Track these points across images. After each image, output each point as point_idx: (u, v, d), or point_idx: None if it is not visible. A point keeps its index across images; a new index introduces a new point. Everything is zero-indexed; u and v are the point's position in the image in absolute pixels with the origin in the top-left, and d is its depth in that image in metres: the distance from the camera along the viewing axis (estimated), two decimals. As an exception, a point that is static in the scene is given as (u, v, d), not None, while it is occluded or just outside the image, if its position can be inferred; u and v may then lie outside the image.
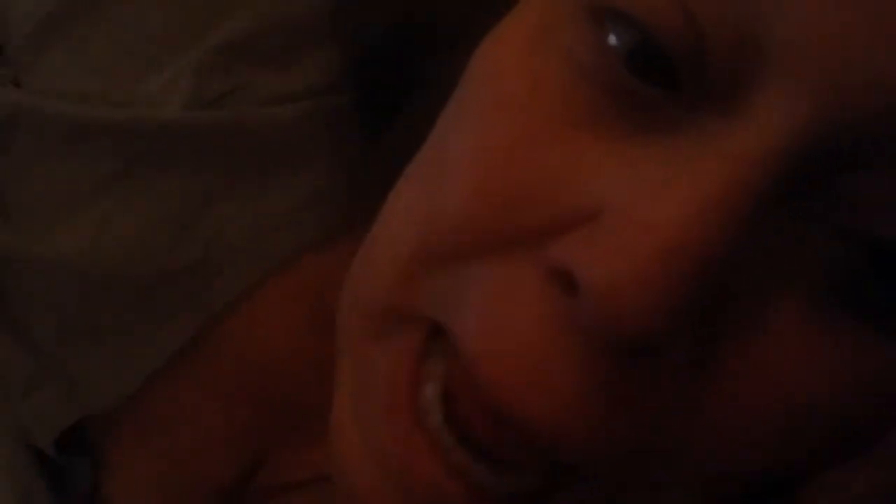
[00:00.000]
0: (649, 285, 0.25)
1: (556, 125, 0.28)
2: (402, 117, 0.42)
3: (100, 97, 0.43)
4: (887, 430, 0.28)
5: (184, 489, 0.44)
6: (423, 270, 0.30)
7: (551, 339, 0.27)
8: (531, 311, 0.27)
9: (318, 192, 0.43)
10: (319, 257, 0.43)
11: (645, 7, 0.27)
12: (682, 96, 0.27)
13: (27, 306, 0.44)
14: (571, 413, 0.27)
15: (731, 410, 0.27)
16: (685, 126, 0.27)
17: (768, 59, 0.26)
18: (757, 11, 0.26)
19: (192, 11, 0.44)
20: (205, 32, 0.43)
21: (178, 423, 0.44)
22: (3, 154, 0.43)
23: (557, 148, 0.28)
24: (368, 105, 0.44)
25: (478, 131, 0.30)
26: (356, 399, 0.31)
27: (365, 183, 0.43)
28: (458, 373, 0.28)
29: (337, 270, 0.41)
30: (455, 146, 0.30)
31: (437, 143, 0.32)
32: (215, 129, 0.42)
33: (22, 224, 0.43)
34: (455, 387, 0.29)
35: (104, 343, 0.43)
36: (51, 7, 0.44)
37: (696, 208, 0.25)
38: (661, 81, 0.27)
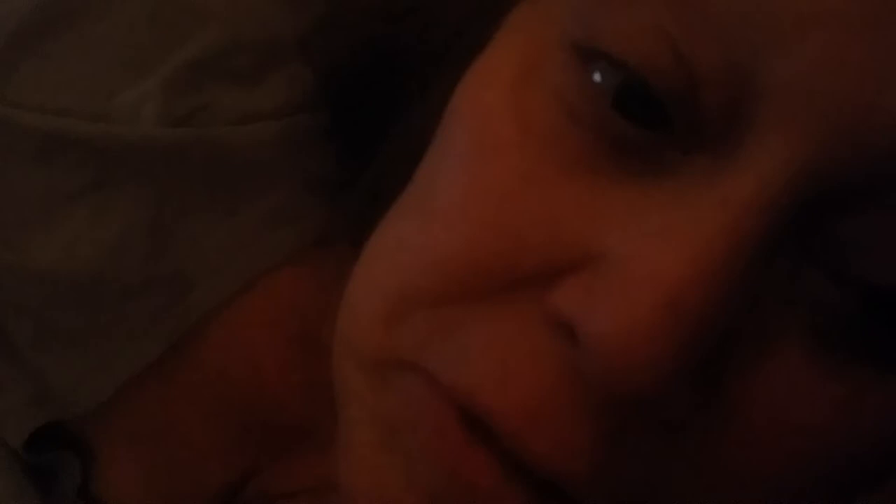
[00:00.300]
0: (652, 339, 0.25)
1: (548, 169, 0.28)
2: (378, 141, 0.41)
3: (73, 110, 0.43)
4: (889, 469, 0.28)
5: (173, 494, 0.45)
6: (410, 314, 0.29)
7: (558, 391, 0.26)
8: (537, 362, 0.27)
9: (288, 211, 0.43)
10: (296, 275, 0.43)
11: (631, 46, 0.27)
12: (674, 137, 0.27)
13: (5, 310, 0.44)
14: (582, 462, 0.27)
15: (736, 454, 0.27)
16: (680, 168, 0.27)
17: (764, 99, 0.25)
18: (753, 51, 0.25)
19: (162, 28, 0.44)
20: (174, 49, 0.43)
21: (163, 433, 0.44)
22: None
23: (550, 192, 0.28)
24: (339, 125, 0.44)
25: (468, 175, 0.29)
26: (388, 437, 0.29)
27: (339, 203, 0.43)
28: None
29: (315, 289, 0.42)
30: (444, 190, 0.30)
31: (425, 185, 0.31)
32: (184, 146, 0.42)
33: None
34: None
35: (78, 350, 0.43)
36: (21, 21, 0.44)
37: (697, 260, 0.25)
38: (651, 122, 0.27)
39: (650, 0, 0.26)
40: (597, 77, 0.27)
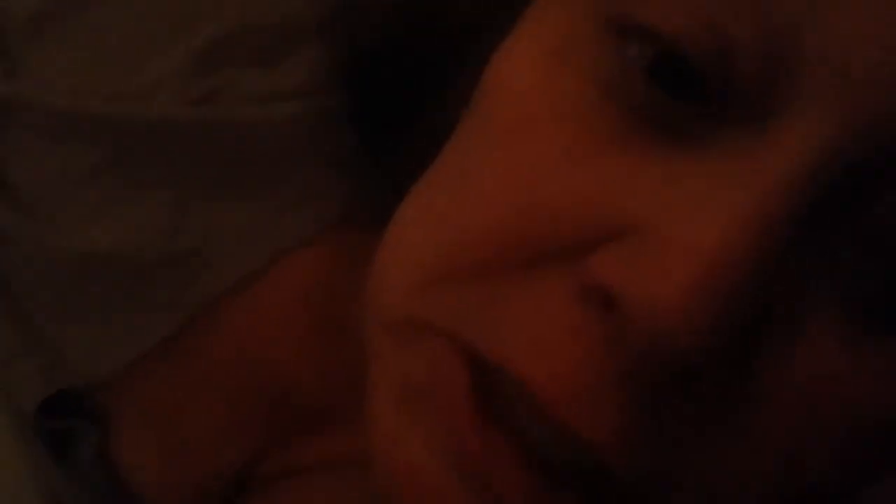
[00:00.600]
0: (694, 306, 0.25)
1: (583, 144, 0.28)
2: (401, 121, 0.42)
3: (92, 89, 0.43)
4: None
5: (186, 469, 0.45)
6: (442, 284, 0.30)
7: (593, 361, 0.27)
8: (571, 332, 0.27)
9: (308, 192, 0.44)
10: (316, 255, 0.44)
11: (665, 18, 0.27)
12: (709, 110, 0.27)
13: (23, 279, 0.45)
14: (614, 432, 0.27)
15: (772, 428, 0.27)
16: (714, 141, 0.27)
17: (799, 72, 0.26)
18: (789, 23, 0.25)
19: (178, 10, 0.44)
20: (191, 30, 0.43)
21: (177, 412, 0.45)
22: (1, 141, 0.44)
23: (585, 166, 0.28)
24: (361, 107, 0.44)
25: (504, 151, 0.30)
26: (408, 404, 0.30)
27: (360, 183, 0.43)
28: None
29: (335, 269, 0.43)
30: (479, 164, 0.30)
31: (457, 160, 0.32)
32: (205, 126, 0.43)
33: (19, 205, 0.44)
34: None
35: (93, 323, 0.44)
36: (39, 4, 0.44)
37: (736, 230, 0.25)
38: (685, 94, 0.27)
39: None
40: (631, 51, 0.28)
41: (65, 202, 0.43)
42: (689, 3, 0.27)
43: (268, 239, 0.43)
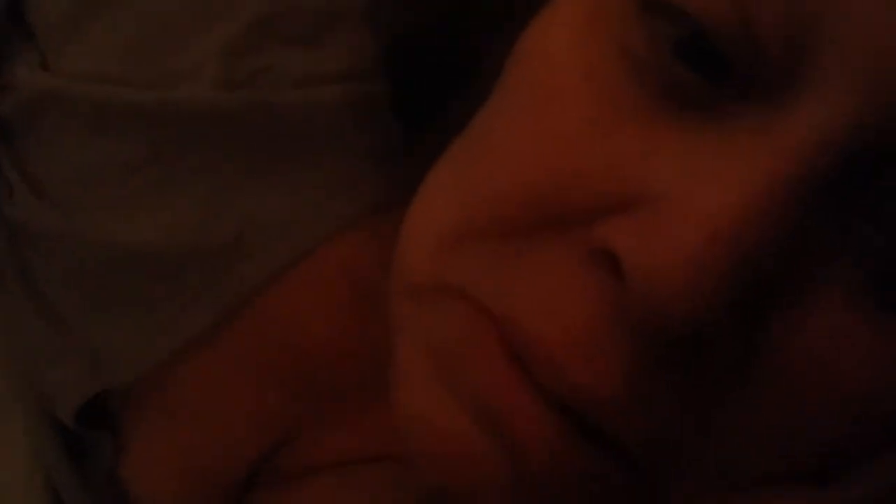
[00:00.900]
0: (698, 273, 0.25)
1: (607, 114, 0.29)
2: (440, 110, 0.41)
3: (127, 78, 0.43)
4: None
5: (203, 468, 0.44)
6: (461, 245, 0.30)
7: (599, 322, 0.27)
8: (580, 294, 0.27)
9: (347, 178, 0.43)
10: (353, 241, 0.43)
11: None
12: (732, 87, 0.28)
13: (52, 278, 0.44)
14: (621, 397, 0.27)
15: (779, 401, 0.28)
16: (735, 117, 0.27)
17: (820, 51, 0.26)
18: (813, 12, 0.26)
19: None
20: (233, 9, 0.43)
21: (204, 401, 0.44)
22: (31, 135, 0.44)
23: (607, 136, 0.29)
24: (401, 94, 0.44)
25: (529, 117, 0.30)
26: (436, 356, 0.30)
27: (398, 170, 0.43)
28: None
29: (371, 256, 0.42)
30: (505, 129, 0.31)
31: (485, 125, 0.32)
32: (246, 110, 0.42)
33: (51, 200, 0.44)
34: None
35: (128, 318, 0.43)
36: None
37: (748, 199, 0.26)
38: (709, 71, 0.28)
39: None
40: (658, 27, 0.28)
41: (98, 196, 0.43)
42: None
43: (306, 227, 0.42)
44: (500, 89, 0.32)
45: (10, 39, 0.48)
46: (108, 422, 0.46)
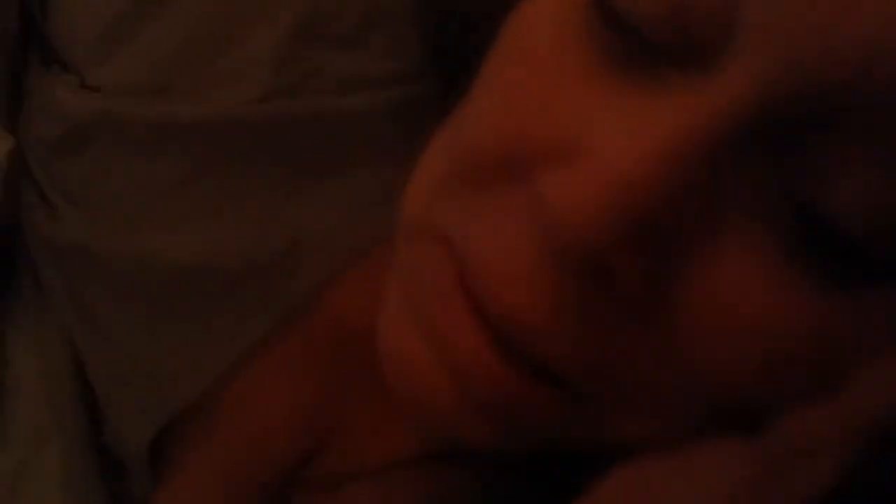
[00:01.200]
0: (599, 210, 0.28)
1: (558, 75, 0.32)
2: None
3: (172, 90, 0.43)
4: (843, 379, 0.29)
5: (243, 479, 0.43)
6: (445, 191, 0.34)
7: (533, 257, 0.31)
8: (517, 235, 0.31)
9: (395, 182, 0.42)
10: None
11: None
12: (670, 55, 0.30)
13: (104, 300, 0.44)
14: (548, 321, 0.30)
15: (688, 337, 0.30)
16: (670, 82, 0.30)
17: (740, 31, 0.29)
18: None
19: None
20: (274, 14, 0.43)
21: (247, 405, 0.43)
22: (79, 157, 0.44)
23: (557, 97, 0.32)
24: (450, 95, 0.43)
25: (498, 77, 0.34)
26: (406, 287, 0.34)
27: None
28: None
29: None
30: (481, 89, 0.34)
31: (473, 88, 0.35)
32: (291, 121, 0.42)
33: (102, 219, 0.43)
34: None
35: (183, 334, 0.43)
36: (120, 7, 0.44)
37: (651, 150, 0.29)
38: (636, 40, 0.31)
39: None
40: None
41: (150, 214, 0.43)
42: None
43: (361, 234, 0.43)
44: (488, 56, 0.35)
45: (26, 62, 0.48)
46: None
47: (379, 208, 0.42)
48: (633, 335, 0.30)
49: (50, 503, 0.46)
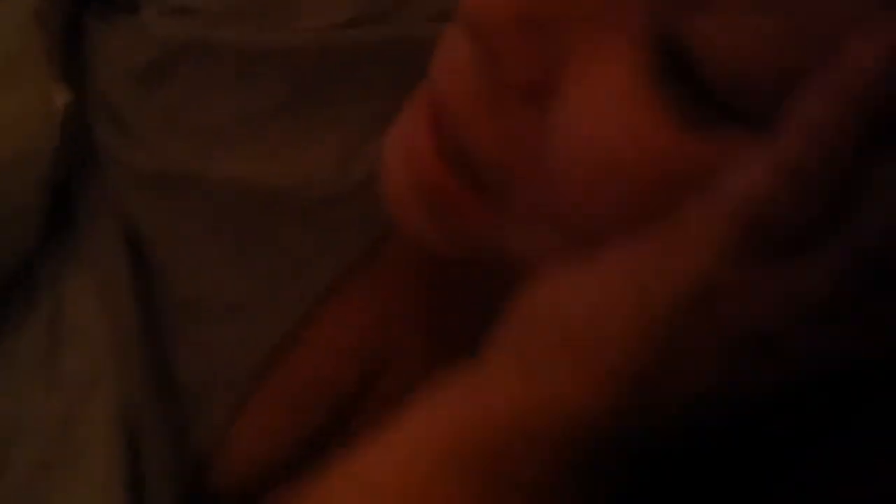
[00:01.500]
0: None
1: None
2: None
3: (265, 13, 0.44)
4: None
5: (307, 399, 0.45)
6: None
7: (465, 55, 0.34)
8: (468, 65, 0.34)
9: None
10: None
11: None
12: None
13: (193, 227, 0.45)
14: (465, 105, 0.34)
15: (559, 138, 0.32)
16: None
17: None
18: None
19: None
20: None
21: (322, 330, 0.44)
22: (171, 81, 0.45)
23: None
24: None
25: None
26: (402, 125, 0.36)
27: None
28: None
29: None
30: None
31: None
32: (383, 45, 0.43)
33: (196, 147, 0.44)
34: None
35: (267, 263, 0.44)
36: None
37: None
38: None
39: None
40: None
41: (240, 141, 0.44)
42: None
43: None
44: None
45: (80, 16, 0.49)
46: None
47: None
48: (526, 126, 0.32)
49: (97, 447, 0.47)
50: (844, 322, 0.28)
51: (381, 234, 0.43)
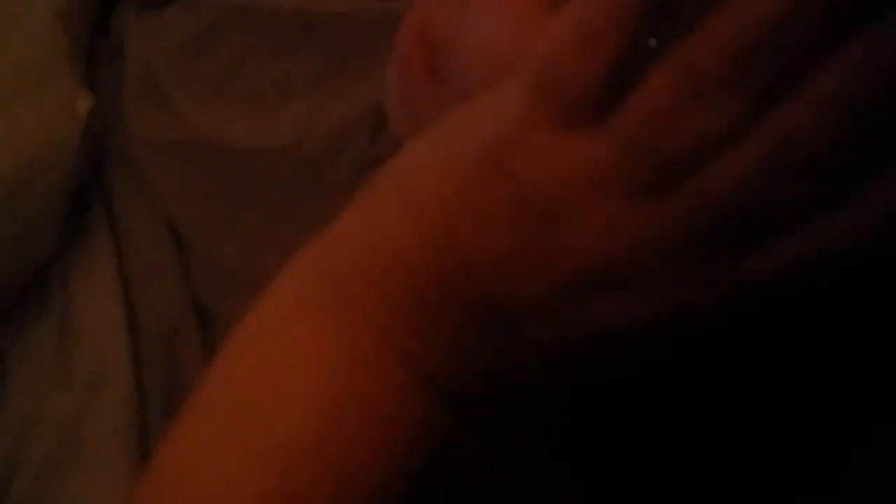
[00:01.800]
0: None
1: None
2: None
3: None
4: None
5: None
6: None
7: None
8: None
9: None
10: None
11: None
12: None
13: (225, 192, 0.46)
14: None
15: (462, 39, 0.34)
16: None
17: None
18: None
19: None
20: None
21: None
22: (214, 55, 0.46)
23: None
24: None
25: None
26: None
27: None
28: None
29: None
30: None
31: None
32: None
33: (236, 116, 0.46)
34: None
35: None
36: None
37: None
38: None
39: None
40: None
41: (283, 108, 0.45)
42: None
43: None
44: None
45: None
46: None
47: None
48: (458, 17, 0.34)
49: (105, 447, 0.48)
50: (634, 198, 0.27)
51: None
